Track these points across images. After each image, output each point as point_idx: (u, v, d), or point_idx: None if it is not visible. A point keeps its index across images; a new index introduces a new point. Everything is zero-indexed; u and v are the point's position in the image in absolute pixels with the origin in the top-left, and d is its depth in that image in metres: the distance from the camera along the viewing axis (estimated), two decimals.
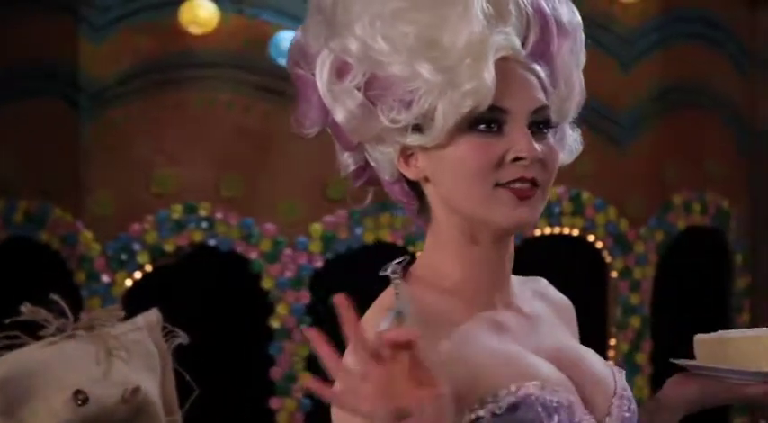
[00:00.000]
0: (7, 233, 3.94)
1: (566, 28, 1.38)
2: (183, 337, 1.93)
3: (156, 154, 3.89)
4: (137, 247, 3.88)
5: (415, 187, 1.40)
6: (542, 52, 1.36)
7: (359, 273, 3.99)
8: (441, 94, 1.31)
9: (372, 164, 1.41)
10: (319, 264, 3.97)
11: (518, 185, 1.32)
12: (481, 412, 1.27)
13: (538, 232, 4.09)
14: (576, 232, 4.17)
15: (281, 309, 3.93)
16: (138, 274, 3.89)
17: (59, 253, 3.92)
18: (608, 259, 4.22)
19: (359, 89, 1.34)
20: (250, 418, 3.92)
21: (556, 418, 1.28)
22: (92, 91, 3.89)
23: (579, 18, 1.41)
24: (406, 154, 1.37)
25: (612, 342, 4.22)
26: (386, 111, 1.33)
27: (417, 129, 1.33)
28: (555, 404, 1.28)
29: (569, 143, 1.43)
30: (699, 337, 1.47)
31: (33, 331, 1.82)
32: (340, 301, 1.15)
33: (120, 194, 3.90)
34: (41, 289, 1.92)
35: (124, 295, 3.86)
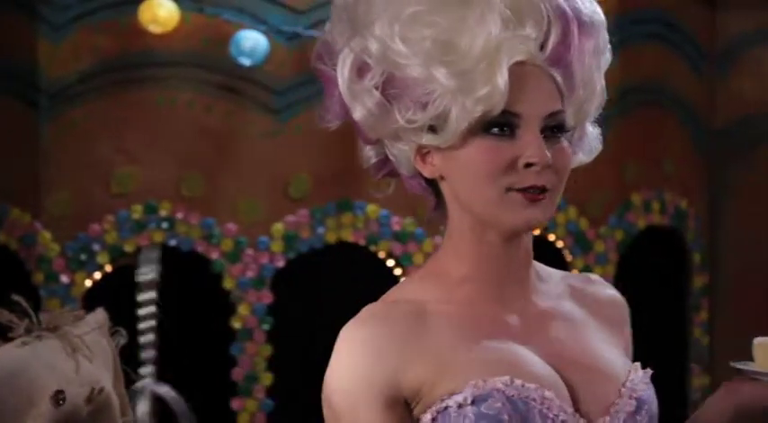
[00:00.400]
0: None
1: (588, 27, 1.39)
2: (125, 337, 1.93)
3: (115, 153, 3.86)
4: (96, 247, 3.85)
5: (432, 184, 1.43)
6: (561, 56, 1.37)
7: (321, 273, 4.01)
8: (454, 97, 1.33)
9: (391, 158, 1.43)
10: (281, 264, 3.96)
11: (529, 192, 1.34)
12: (449, 402, 1.31)
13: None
14: (536, 231, 4.19)
15: (242, 309, 3.92)
16: (97, 275, 3.86)
17: (18, 254, 3.88)
18: (569, 258, 4.25)
19: (377, 88, 1.37)
20: (211, 419, 3.90)
21: (522, 411, 1.30)
22: (51, 90, 3.86)
23: (602, 17, 1.42)
24: (423, 152, 1.39)
25: None
26: (402, 110, 1.36)
27: (432, 129, 1.36)
28: (522, 399, 1.30)
29: (589, 142, 1.45)
30: (758, 341, 1.46)
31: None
32: None
33: (79, 194, 3.87)
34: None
35: (83, 296, 3.84)
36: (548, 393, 1.32)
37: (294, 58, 3.97)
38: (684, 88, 4.46)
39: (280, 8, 3.96)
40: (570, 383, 1.36)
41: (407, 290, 1.43)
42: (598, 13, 1.42)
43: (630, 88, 4.19)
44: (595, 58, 1.40)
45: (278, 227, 3.96)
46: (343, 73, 1.40)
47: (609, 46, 1.43)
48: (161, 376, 3.64)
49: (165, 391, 3.44)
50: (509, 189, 1.34)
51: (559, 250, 4.24)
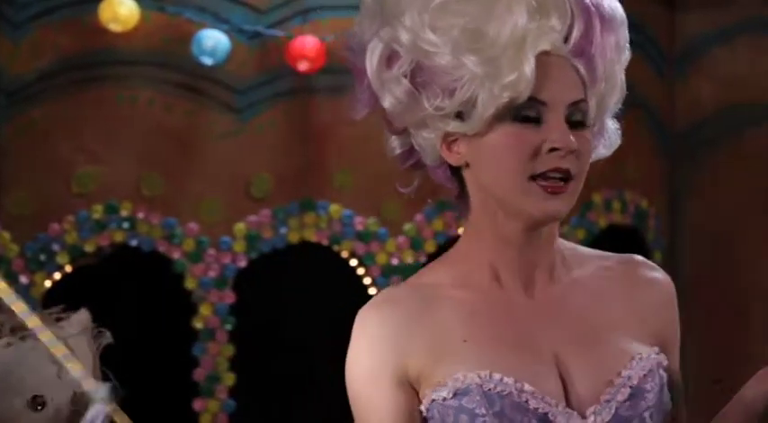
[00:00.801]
0: None
1: (609, 23, 1.44)
2: (108, 338, 1.92)
3: (76, 153, 3.83)
4: (56, 247, 3.82)
5: (457, 173, 1.45)
6: (584, 48, 1.41)
7: (284, 272, 4.00)
8: (482, 83, 1.36)
9: (417, 148, 1.46)
10: (243, 264, 3.95)
11: (551, 179, 1.37)
12: (435, 396, 1.35)
13: (462, 231, 4.12)
14: None
15: (204, 309, 3.90)
16: (57, 275, 3.83)
17: None
18: None
19: (405, 76, 1.40)
20: (173, 420, 3.88)
21: (497, 406, 1.33)
22: (10, 89, 3.82)
23: (623, 15, 1.46)
24: (449, 140, 1.41)
25: None
26: (430, 98, 1.39)
27: (459, 116, 1.39)
28: (499, 393, 1.34)
29: (609, 136, 1.50)
30: None
31: None
32: None
33: (38, 194, 3.84)
34: None
35: (43, 297, 3.80)
36: (527, 387, 1.35)
37: (256, 57, 3.95)
38: (646, 89, 4.49)
39: (241, 7, 3.95)
40: (570, 372, 1.38)
41: (429, 273, 1.46)
42: (619, 11, 1.47)
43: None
44: (617, 53, 1.46)
45: (240, 227, 3.95)
46: (372, 62, 1.42)
47: (629, 44, 1.48)
48: (122, 378, 3.61)
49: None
50: (532, 177, 1.37)
51: None
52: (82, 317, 1.91)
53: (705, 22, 4.58)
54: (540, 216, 1.39)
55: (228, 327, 3.91)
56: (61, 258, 3.82)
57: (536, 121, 1.38)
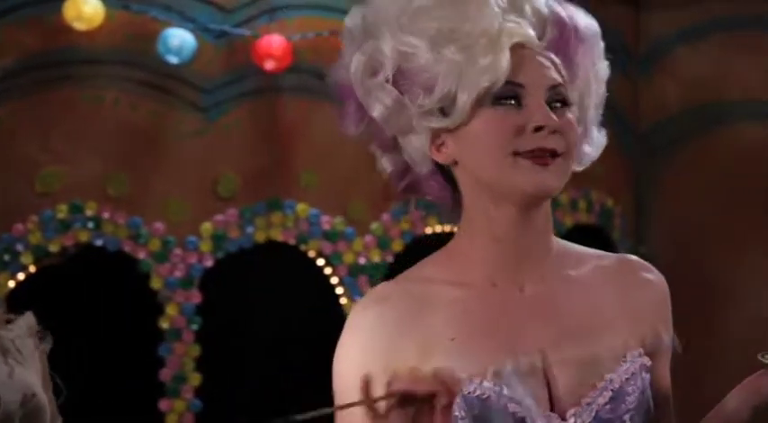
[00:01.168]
0: None
1: (583, 34, 1.48)
2: (49, 341, 1.91)
3: (40, 153, 3.80)
4: (20, 247, 3.78)
5: (449, 178, 1.47)
6: (560, 48, 1.45)
7: (251, 272, 3.99)
8: (460, 73, 1.39)
9: (408, 160, 1.48)
10: (210, 263, 3.94)
11: (537, 154, 1.39)
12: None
13: (429, 230, 4.13)
14: None
15: (170, 309, 3.89)
16: (21, 276, 3.79)
17: None
18: None
19: (388, 81, 1.43)
20: (139, 421, 3.86)
21: (476, 409, 1.35)
22: None
23: (598, 29, 1.51)
24: (437, 143, 1.44)
25: None
26: (413, 99, 1.42)
27: (441, 112, 1.41)
28: (478, 397, 1.35)
29: (594, 137, 1.55)
30: None
31: None
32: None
33: (2, 194, 3.80)
34: None
35: (7, 297, 3.76)
36: (506, 391, 1.36)
37: (222, 56, 3.94)
38: (610, 89, 4.51)
39: (207, 6, 3.93)
40: (555, 374, 1.39)
41: (424, 268, 1.47)
42: (594, 25, 1.51)
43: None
44: (591, 63, 1.49)
45: (206, 226, 3.93)
46: (356, 74, 1.45)
47: (606, 60, 1.51)
48: (87, 378, 3.59)
49: None
50: (517, 153, 1.39)
51: None
52: (28, 320, 1.90)
53: (669, 22, 4.62)
54: (532, 190, 1.40)
55: (195, 327, 3.89)
56: (25, 258, 3.79)
57: (516, 104, 1.40)
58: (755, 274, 4.33)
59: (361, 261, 4.05)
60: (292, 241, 4.02)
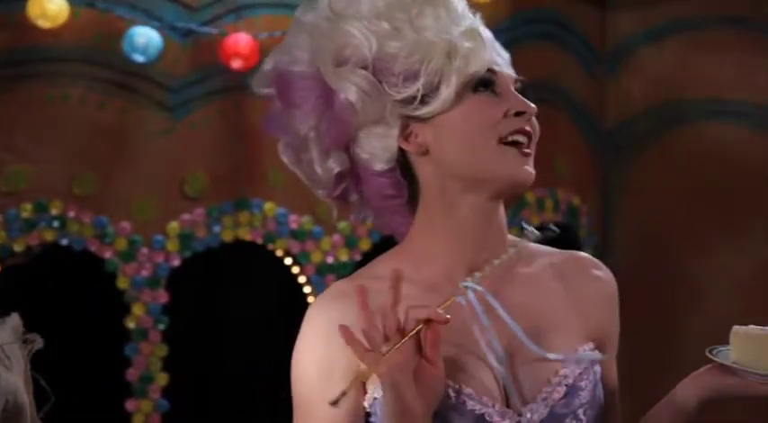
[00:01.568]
0: None
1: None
2: (39, 343, 1.89)
3: (5, 152, 3.77)
4: None
5: (407, 173, 1.46)
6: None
7: (218, 271, 3.98)
8: (445, 59, 1.41)
9: (365, 156, 1.46)
10: (177, 263, 3.92)
11: (519, 138, 1.42)
12: (377, 394, 1.36)
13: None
14: None
15: (137, 309, 3.87)
16: None
17: None
18: None
19: (365, 68, 1.43)
20: (106, 421, 3.84)
21: (434, 408, 1.33)
22: None
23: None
24: (405, 134, 1.44)
25: None
26: (392, 85, 1.42)
27: (422, 100, 1.42)
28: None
29: None
30: (735, 329, 1.49)
31: None
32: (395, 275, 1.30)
33: None
34: None
35: None
36: (465, 389, 1.37)
37: (189, 54, 3.92)
38: (577, 88, 4.54)
39: (173, 4, 3.91)
40: (511, 369, 1.40)
41: (380, 265, 1.47)
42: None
43: (523, 87, 4.24)
44: None
45: (173, 225, 3.92)
46: (326, 62, 1.43)
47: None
48: (53, 379, 3.56)
49: None
50: (501, 140, 1.41)
51: None
52: (14, 322, 1.88)
53: (634, 21, 4.65)
54: (519, 177, 1.43)
55: (162, 326, 3.88)
56: None
57: (493, 93, 1.44)
58: (719, 272, 4.37)
59: (329, 260, 4.05)
60: (260, 240, 4.01)
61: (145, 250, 3.88)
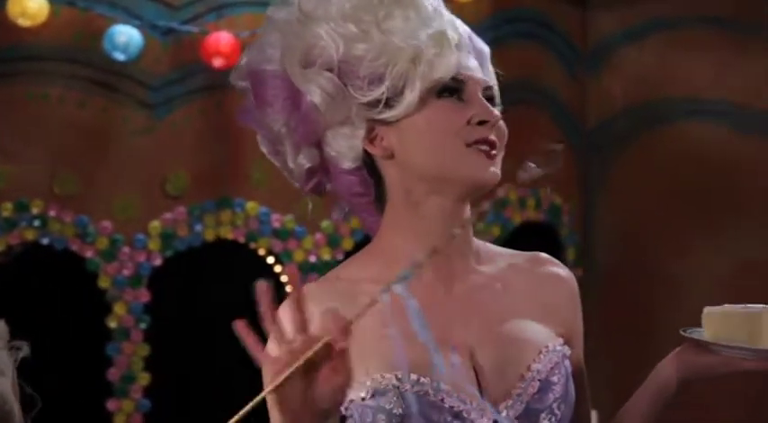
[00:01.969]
0: None
1: (484, 58, 1.53)
2: (26, 350, 1.88)
3: None
4: None
5: (373, 173, 1.47)
6: (480, 64, 1.50)
7: (200, 271, 3.97)
8: (410, 64, 1.41)
9: (333, 154, 1.47)
10: (158, 262, 3.92)
11: (482, 147, 1.43)
12: (353, 396, 1.37)
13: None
14: None
15: (118, 308, 3.86)
16: None
17: None
18: None
19: (331, 71, 1.43)
20: (87, 421, 3.83)
21: (414, 406, 1.36)
22: None
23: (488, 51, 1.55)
24: (371, 135, 1.45)
25: None
26: (357, 88, 1.42)
27: (387, 104, 1.42)
28: (415, 393, 1.37)
29: None
30: (707, 310, 1.52)
31: None
32: (261, 288, 1.22)
33: None
34: None
35: None
36: (443, 386, 1.38)
37: (170, 53, 3.92)
38: (558, 87, 4.55)
39: (154, 3, 3.90)
40: (483, 367, 1.41)
41: (349, 268, 1.48)
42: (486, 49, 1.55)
43: (504, 87, 4.25)
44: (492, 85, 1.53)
45: (155, 225, 3.91)
46: (292, 64, 1.44)
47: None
48: (34, 379, 3.55)
49: None
50: (467, 144, 1.42)
51: None
52: (1, 329, 1.87)
53: (615, 21, 4.67)
54: (485, 179, 1.43)
55: (143, 326, 3.87)
56: None
57: (459, 99, 1.44)
58: (700, 271, 4.39)
59: (312, 259, 4.05)
60: (242, 239, 4.00)
61: (126, 249, 3.87)
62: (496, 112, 1.45)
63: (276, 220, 4.02)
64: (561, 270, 1.59)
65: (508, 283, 1.51)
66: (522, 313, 1.49)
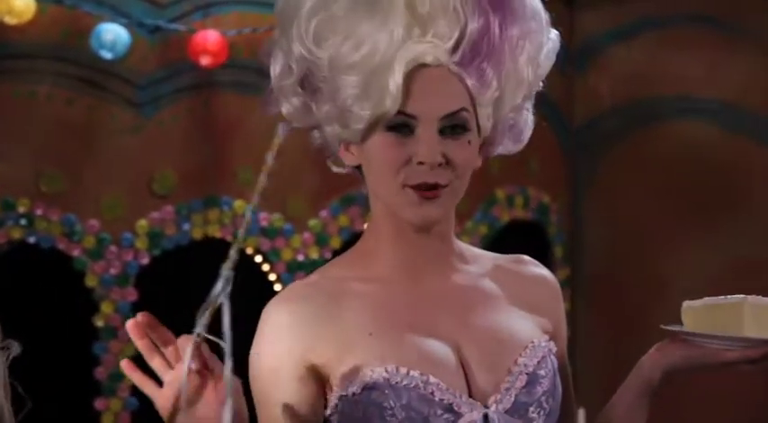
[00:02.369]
0: None
1: (513, 13, 1.44)
2: (16, 349, 1.88)
3: None
4: None
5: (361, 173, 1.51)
6: (474, 56, 1.42)
7: (187, 269, 3.96)
8: (354, 99, 1.41)
9: (329, 140, 1.52)
10: (146, 260, 3.90)
11: (423, 188, 1.42)
12: (343, 392, 1.39)
13: (366, 226, 4.13)
14: None
15: (105, 307, 3.85)
16: None
17: None
18: None
19: (300, 84, 1.46)
20: (74, 420, 3.81)
21: (405, 399, 1.36)
22: None
23: (535, 6, 1.47)
24: (344, 144, 1.49)
25: None
26: (319, 105, 1.45)
27: (343, 123, 1.44)
28: (405, 387, 1.37)
29: (519, 131, 1.57)
30: (686, 304, 1.54)
31: None
32: (131, 325, 1.15)
33: None
34: None
35: None
36: (432, 379, 1.39)
37: (157, 51, 3.90)
38: (548, 85, 4.55)
39: (141, 1, 3.89)
40: (470, 362, 1.43)
41: (335, 267, 1.51)
42: (530, 4, 1.47)
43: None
44: (523, 46, 1.46)
45: (142, 223, 3.90)
46: (274, 70, 1.49)
47: (550, 32, 1.49)
48: (21, 378, 3.54)
49: None
50: (405, 185, 1.42)
51: None
52: None
53: (603, 19, 4.67)
54: (416, 221, 1.44)
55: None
56: None
57: (409, 132, 1.41)
58: (690, 270, 4.40)
59: (300, 258, 4.04)
60: (230, 238, 3.99)
61: (113, 248, 3.86)
62: (439, 154, 1.40)
63: (264, 219, 4.01)
64: (544, 271, 1.62)
65: (493, 282, 1.53)
66: (508, 310, 1.52)
